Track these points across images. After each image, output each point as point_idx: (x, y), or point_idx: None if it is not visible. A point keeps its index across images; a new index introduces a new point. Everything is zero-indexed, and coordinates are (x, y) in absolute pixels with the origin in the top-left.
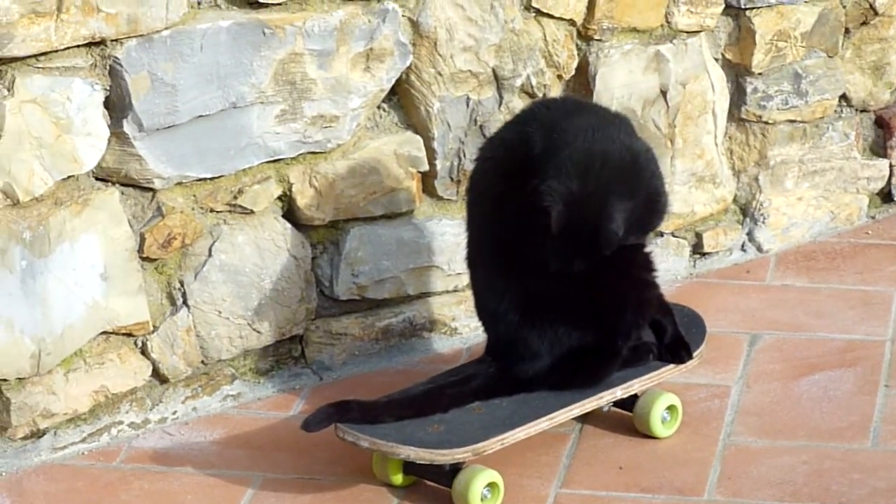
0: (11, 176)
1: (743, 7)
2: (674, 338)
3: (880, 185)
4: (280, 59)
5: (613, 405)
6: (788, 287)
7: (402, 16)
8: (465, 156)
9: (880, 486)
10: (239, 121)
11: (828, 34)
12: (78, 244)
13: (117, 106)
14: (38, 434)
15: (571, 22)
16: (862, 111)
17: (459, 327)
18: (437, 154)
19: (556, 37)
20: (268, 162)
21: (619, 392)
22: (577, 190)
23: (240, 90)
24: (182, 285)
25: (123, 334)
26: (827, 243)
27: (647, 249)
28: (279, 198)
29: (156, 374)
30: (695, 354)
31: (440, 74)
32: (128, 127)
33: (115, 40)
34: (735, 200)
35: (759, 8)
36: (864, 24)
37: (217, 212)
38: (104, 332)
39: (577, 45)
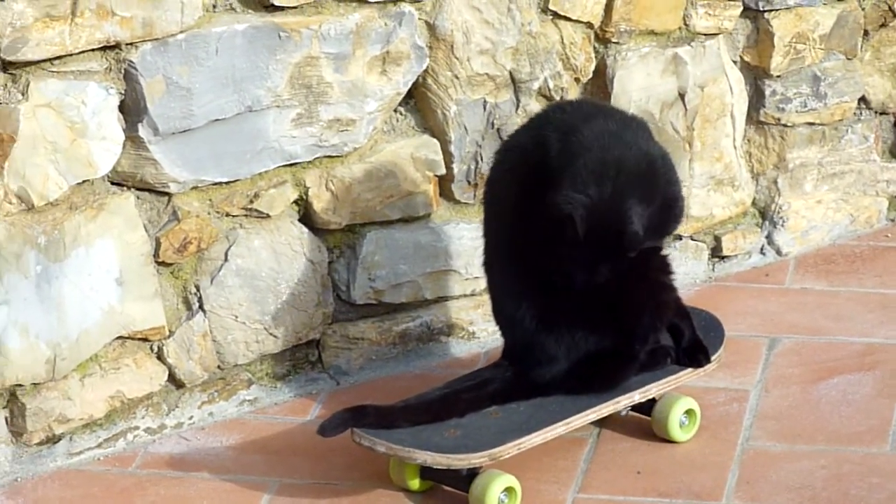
0: (26, 180)
1: (761, 9)
2: (692, 341)
3: None
4: (296, 62)
5: (631, 409)
6: (807, 290)
7: (419, 19)
8: (482, 159)
9: None
10: (255, 124)
11: (847, 36)
12: (93, 249)
13: (132, 110)
14: (53, 440)
15: (589, 24)
16: (881, 113)
17: (477, 331)
18: (454, 157)
19: (573, 39)
20: (284, 166)
21: (637, 396)
22: (594, 198)
23: (255, 94)
24: (198, 290)
25: (139, 339)
26: (846, 246)
27: (664, 253)
28: (295, 202)
29: (172, 379)
30: (713, 358)
31: (457, 77)
32: (143, 131)
33: (130, 44)
34: (754, 203)
35: (777, 10)
36: (883, 26)
37: (233, 216)
38: (120, 337)
39: (594, 47)
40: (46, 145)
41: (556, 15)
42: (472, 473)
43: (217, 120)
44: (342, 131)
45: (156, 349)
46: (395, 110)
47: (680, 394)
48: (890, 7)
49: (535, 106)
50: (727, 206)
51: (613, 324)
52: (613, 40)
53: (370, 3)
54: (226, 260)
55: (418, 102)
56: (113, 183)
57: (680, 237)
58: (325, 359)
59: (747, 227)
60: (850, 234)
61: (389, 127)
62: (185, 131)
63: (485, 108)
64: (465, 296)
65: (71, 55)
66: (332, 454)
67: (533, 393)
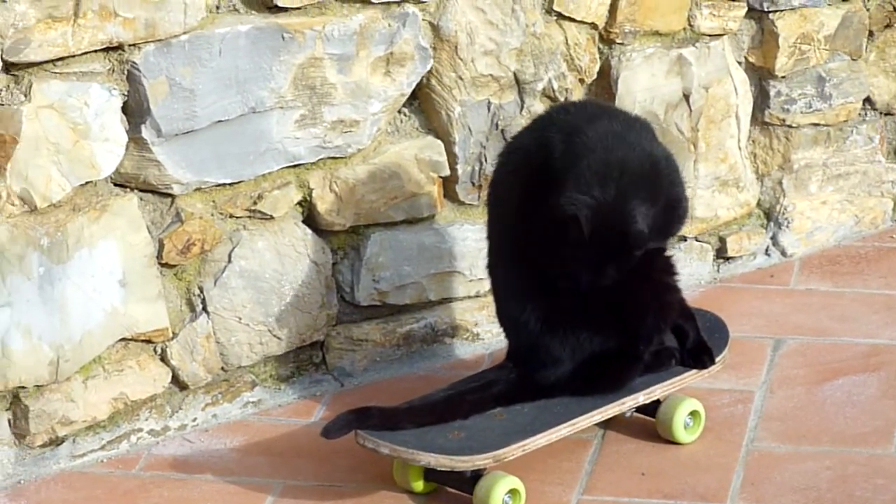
0: (29, 182)
1: (766, 10)
2: (696, 342)
3: None
4: (299, 63)
5: (636, 411)
6: (812, 291)
7: (423, 20)
8: (486, 160)
9: None
10: (258, 126)
11: (851, 37)
12: (96, 250)
13: (135, 111)
14: (56, 442)
15: (593, 25)
16: (886, 114)
17: (481, 333)
18: (459, 159)
19: (577, 40)
20: (288, 167)
21: (642, 397)
22: (598, 199)
23: (259, 95)
24: (201, 291)
25: (142, 341)
26: (851, 247)
27: (669, 254)
28: (299, 203)
29: (175, 380)
30: (718, 359)
31: (461, 78)
32: (146, 132)
33: (133, 45)
34: (759, 204)
35: (782, 11)
36: (888, 26)
37: (237, 217)
38: (123, 339)
39: (598, 48)
40: (49, 147)
41: (560, 16)
42: (477, 475)
43: (220, 121)
44: (346, 132)
45: (159, 351)
46: (399, 111)
47: (684, 395)
48: (895, 8)
49: (539, 107)
50: (732, 207)
51: (618, 325)
52: (618, 41)
53: (374, 3)
54: (229, 261)
55: (422, 103)
56: (116, 184)
57: (685, 238)
58: (329, 360)
59: (752, 228)
60: (855, 235)
61: (393, 128)
62: (188, 133)
63: (489, 110)
64: (470, 297)
65: (74, 56)
66: (336, 456)
67: (537, 394)
